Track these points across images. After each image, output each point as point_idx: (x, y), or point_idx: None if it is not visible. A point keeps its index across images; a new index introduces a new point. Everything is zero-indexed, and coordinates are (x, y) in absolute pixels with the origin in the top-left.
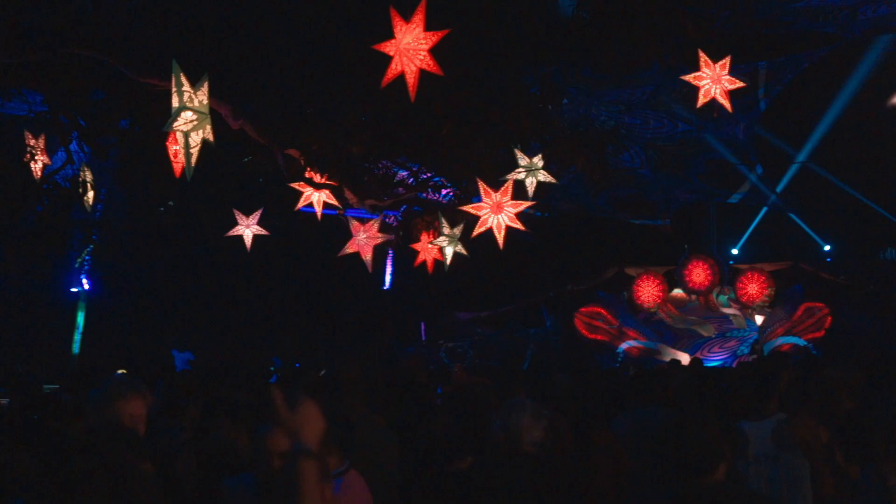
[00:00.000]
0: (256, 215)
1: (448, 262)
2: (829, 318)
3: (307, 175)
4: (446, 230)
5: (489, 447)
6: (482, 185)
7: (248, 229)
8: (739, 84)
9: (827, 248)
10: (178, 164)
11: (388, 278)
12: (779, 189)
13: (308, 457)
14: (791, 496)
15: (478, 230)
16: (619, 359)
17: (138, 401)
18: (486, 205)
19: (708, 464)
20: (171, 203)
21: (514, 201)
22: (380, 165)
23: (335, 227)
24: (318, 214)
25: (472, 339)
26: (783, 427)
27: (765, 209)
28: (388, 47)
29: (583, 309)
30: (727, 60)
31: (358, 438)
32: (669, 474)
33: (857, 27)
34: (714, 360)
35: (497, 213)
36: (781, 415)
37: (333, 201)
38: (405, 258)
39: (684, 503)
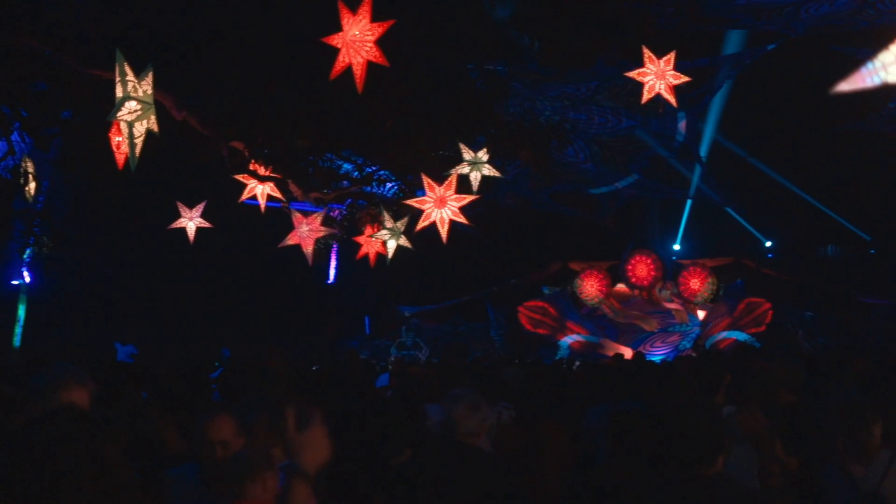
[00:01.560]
0: (200, 208)
1: (390, 255)
2: (770, 312)
3: (251, 167)
4: (389, 224)
5: (427, 439)
6: (426, 179)
7: (191, 222)
8: (684, 79)
9: (768, 244)
10: (122, 155)
11: (332, 272)
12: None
13: (301, 479)
14: None
15: (421, 224)
16: (562, 353)
17: (81, 390)
18: (429, 199)
19: (710, 456)
20: (113, 195)
21: (457, 195)
22: (324, 159)
23: (281, 219)
24: (262, 207)
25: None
26: (732, 419)
27: (689, 202)
28: (335, 40)
29: (526, 303)
30: (671, 56)
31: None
32: (668, 466)
33: (799, 25)
34: (656, 354)
35: (440, 208)
36: (730, 407)
37: (277, 194)
38: (350, 252)
39: (684, 495)
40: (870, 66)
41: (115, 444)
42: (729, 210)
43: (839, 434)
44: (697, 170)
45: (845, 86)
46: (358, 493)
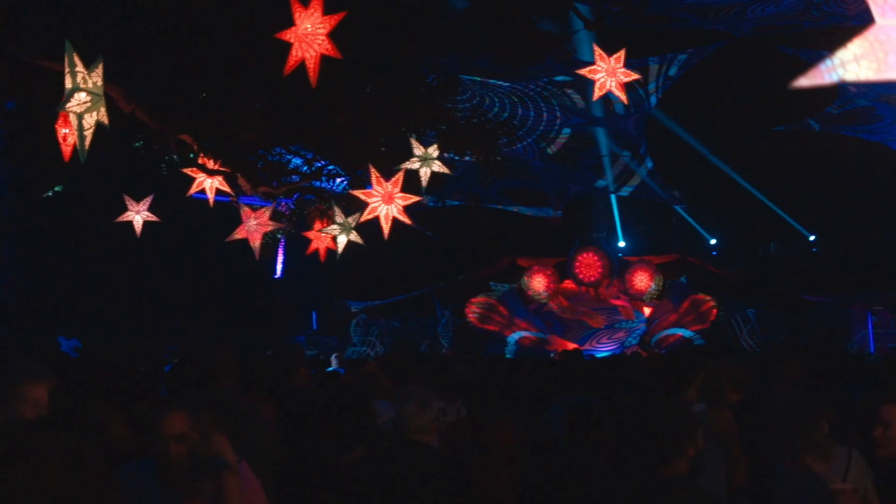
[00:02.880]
0: (147, 201)
1: (340, 250)
2: (715, 310)
3: (200, 161)
4: (339, 219)
5: (378, 436)
6: (374, 173)
7: (138, 215)
8: (634, 76)
9: (713, 241)
10: (68, 147)
11: (279, 267)
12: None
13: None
14: (707, 487)
15: (365, 217)
16: (509, 348)
17: (41, 386)
18: (376, 193)
19: (667, 456)
20: (58, 188)
21: (403, 194)
22: (274, 153)
23: (230, 214)
24: (211, 201)
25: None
26: (701, 417)
27: (612, 196)
28: (287, 35)
29: (474, 299)
30: (622, 54)
31: (233, 425)
32: (626, 464)
33: (745, 25)
34: (602, 350)
35: (388, 204)
36: (701, 405)
37: (226, 188)
38: (297, 247)
39: (639, 494)
40: (828, 63)
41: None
42: (677, 207)
43: (795, 432)
44: (646, 167)
45: (804, 81)
46: (309, 491)
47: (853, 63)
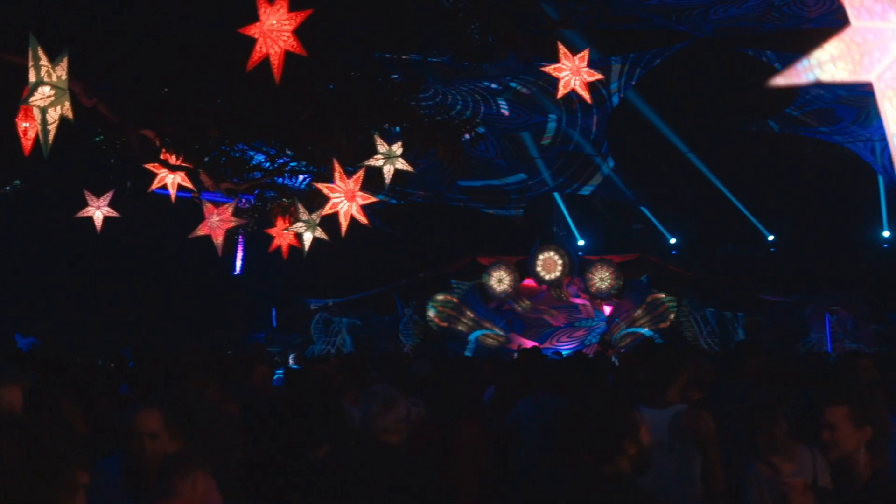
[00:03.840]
0: (107, 197)
1: (307, 247)
2: (674, 310)
3: (162, 156)
4: (304, 215)
5: (344, 435)
6: (338, 169)
7: (98, 211)
8: (598, 76)
9: (673, 240)
10: (28, 141)
11: (238, 263)
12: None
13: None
14: (680, 487)
15: (327, 211)
16: (470, 346)
17: (15, 388)
18: (339, 188)
19: (605, 453)
20: (16, 182)
21: (363, 193)
22: (236, 149)
23: (190, 210)
24: (173, 197)
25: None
26: (681, 418)
27: (556, 195)
28: (252, 30)
29: (435, 297)
30: (586, 53)
31: (203, 424)
32: (567, 460)
33: (708, 26)
34: (562, 349)
35: (350, 201)
36: (681, 406)
37: (188, 184)
38: (257, 243)
39: (577, 490)
40: (805, 63)
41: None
42: (642, 207)
43: (757, 431)
44: (608, 166)
45: (781, 80)
46: (274, 488)
47: (829, 64)
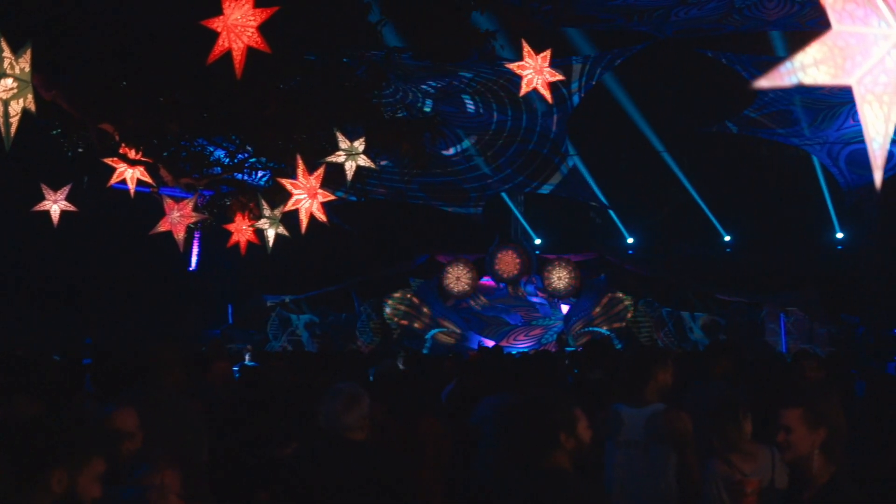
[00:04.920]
0: (65, 190)
1: (270, 243)
2: (631, 309)
3: (121, 151)
4: (267, 212)
5: (312, 433)
6: (301, 165)
7: (55, 205)
8: (560, 77)
9: (630, 240)
10: None
11: (194, 259)
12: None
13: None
14: (652, 486)
15: (288, 207)
16: (428, 344)
17: None
18: (301, 184)
19: (539, 448)
20: None
21: (324, 191)
22: (196, 144)
23: (145, 205)
24: (132, 191)
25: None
26: (658, 417)
27: (504, 195)
28: (215, 23)
29: (393, 294)
30: (548, 53)
31: (168, 422)
32: (508, 457)
33: (668, 28)
34: (520, 347)
35: (311, 198)
36: (659, 405)
37: (147, 179)
38: (213, 239)
39: (522, 486)
40: (788, 65)
41: None
42: (605, 206)
43: (716, 429)
44: (567, 165)
45: (764, 82)
46: (240, 483)
47: (812, 67)
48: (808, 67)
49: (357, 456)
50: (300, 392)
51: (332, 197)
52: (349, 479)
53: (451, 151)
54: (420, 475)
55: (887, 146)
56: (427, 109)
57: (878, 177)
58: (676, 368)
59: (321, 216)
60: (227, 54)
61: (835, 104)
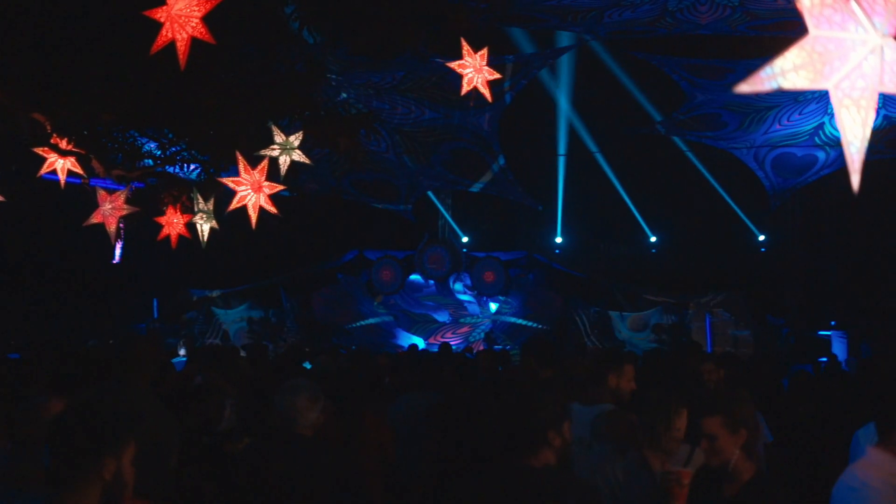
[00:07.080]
0: None
1: (205, 238)
2: (560, 308)
3: (52, 141)
4: (202, 205)
5: (267, 429)
6: (242, 161)
7: None
8: (498, 75)
9: (559, 240)
10: None
11: (118, 251)
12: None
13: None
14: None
15: (234, 205)
16: (354, 341)
17: None
18: (245, 180)
19: (526, 446)
20: None
21: (269, 182)
22: (129, 135)
23: (69, 196)
24: (62, 182)
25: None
26: (602, 417)
27: (429, 193)
28: (159, 13)
29: (321, 290)
30: (485, 52)
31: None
32: (490, 454)
33: (601, 29)
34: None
35: (256, 192)
36: (610, 405)
37: (79, 170)
38: (138, 231)
39: (506, 484)
40: (769, 70)
41: None
42: (535, 206)
43: (642, 426)
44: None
45: (745, 87)
46: (187, 478)
47: (792, 72)
48: (788, 72)
49: (310, 451)
50: (257, 384)
51: (278, 188)
52: (301, 475)
53: (383, 147)
54: (365, 469)
55: (864, 150)
56: (360, 106)
57: (854, 181)
58: (639, 373)
59: (272, 209)
60: (170, 45)
61: (762, 108)
